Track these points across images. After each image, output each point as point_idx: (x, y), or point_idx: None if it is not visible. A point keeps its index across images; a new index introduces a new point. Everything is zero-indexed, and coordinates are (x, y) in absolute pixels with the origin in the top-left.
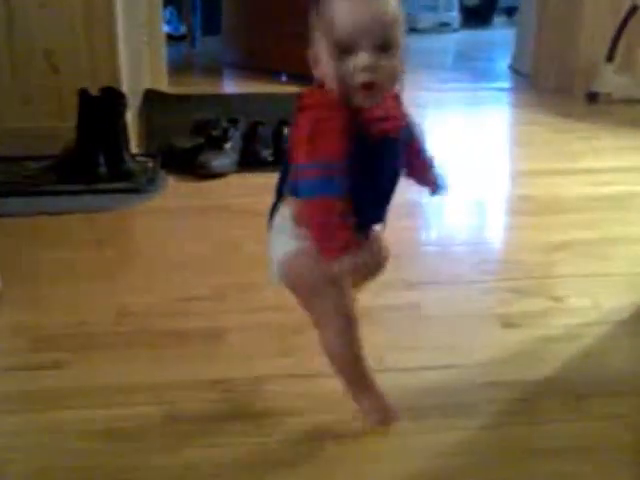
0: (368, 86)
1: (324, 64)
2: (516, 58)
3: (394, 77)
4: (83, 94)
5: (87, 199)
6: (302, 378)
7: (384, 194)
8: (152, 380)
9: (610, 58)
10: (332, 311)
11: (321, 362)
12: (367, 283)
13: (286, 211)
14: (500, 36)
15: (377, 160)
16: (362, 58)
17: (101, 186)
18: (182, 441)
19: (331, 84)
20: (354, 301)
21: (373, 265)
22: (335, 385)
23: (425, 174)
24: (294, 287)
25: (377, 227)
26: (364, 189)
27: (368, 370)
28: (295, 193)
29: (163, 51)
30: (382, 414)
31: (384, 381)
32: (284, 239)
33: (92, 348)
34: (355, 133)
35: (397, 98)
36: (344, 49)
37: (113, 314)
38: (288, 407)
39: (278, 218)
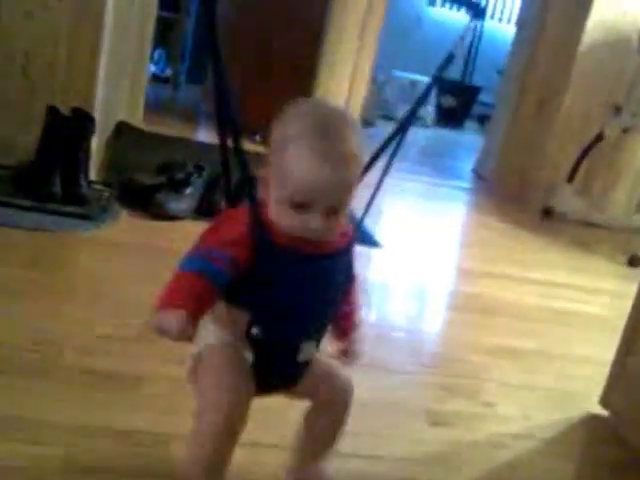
0: (314, 240)
1: (273, 203)
2: (480, 162)
3: (338, 231)
4: (52, 111)
5: (34, 216)
6: None
7: (298, 312)
8: (57, 419)
9: (570, 179)
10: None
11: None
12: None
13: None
14: (469, 140)
15: (283, 273)
16: (313, 221)
17: (51, 206)
18: None
19: (276, 220)
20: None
21: (328, 403)
22: (247, 455)
23: (346, 331)
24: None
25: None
26: (268, 300)
27: None
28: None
29: (144, 87)
30: None
31: None
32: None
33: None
34: (261, 243)
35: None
36: (296, 205)
37: (30, 340)
38: None
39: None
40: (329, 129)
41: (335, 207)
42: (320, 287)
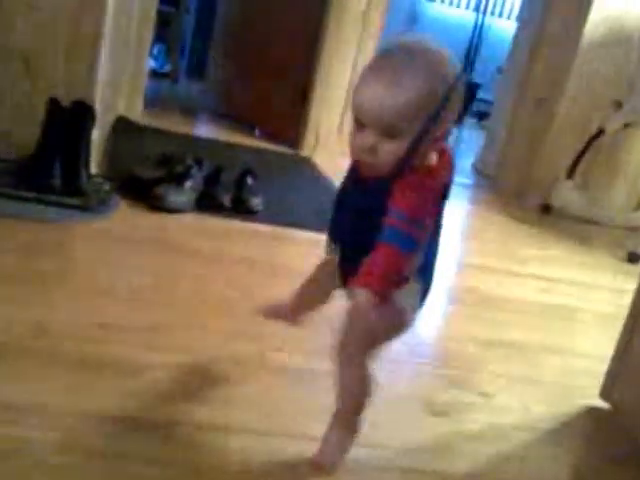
0: (367, 163)
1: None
2: (480, 159)
3: (393, 161)
4: (53, 103)
5: (32, 207)
6: (216, 431)
7: (338, 226)
8: (55, 404)
9: (570, 175)
10: None
11: (236, 418)
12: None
13: None
14: (468, 136)
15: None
16: (366, 138)
17: (50, 197)
18: (66, 475)
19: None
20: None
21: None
22: (245, 444)
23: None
24: None
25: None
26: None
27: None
28: None
29: (143, 82)
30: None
31: (304, 451)
32: None
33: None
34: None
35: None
36: (357, 124)
37: (31, 328)
38: (192, 460)
39: None
40: (400, 61)
41: (388, 131)
42: (344, 207)
